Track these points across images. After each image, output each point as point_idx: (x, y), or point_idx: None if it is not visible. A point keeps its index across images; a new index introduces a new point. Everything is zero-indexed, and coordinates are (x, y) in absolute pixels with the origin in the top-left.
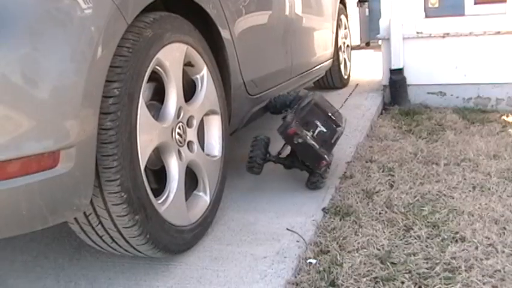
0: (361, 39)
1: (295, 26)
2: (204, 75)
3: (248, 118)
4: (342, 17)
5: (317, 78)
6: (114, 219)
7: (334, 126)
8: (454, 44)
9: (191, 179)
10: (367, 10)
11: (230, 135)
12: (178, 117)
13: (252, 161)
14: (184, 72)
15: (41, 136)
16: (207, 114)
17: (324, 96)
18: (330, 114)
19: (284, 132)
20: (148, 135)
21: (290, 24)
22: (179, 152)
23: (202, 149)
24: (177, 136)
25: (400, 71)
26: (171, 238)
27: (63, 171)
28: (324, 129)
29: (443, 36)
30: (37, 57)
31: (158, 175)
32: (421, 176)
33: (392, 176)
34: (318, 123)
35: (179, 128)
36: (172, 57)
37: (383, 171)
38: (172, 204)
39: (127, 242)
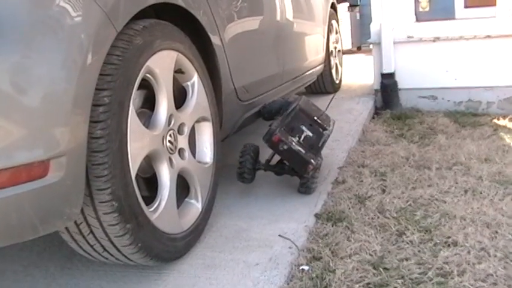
0: (352, 43)
1: (287, 31)
2: (195, 82)
3: (240, 124)
4: (333, 22)
5: (309, 83)
6: (105, 228)
7: (321, 130)
8: (444, 48)
9: (183, 186)
10: (358, 14)
11: (222, 141)
12: (169, 124)
13: (242, 170)
14: (174, 79)
15: (30, 145)
16: (198, 121)
17: (311, 100)
18: (315, 118)
19: (269, 140)
20: (139, 143)
21: (281, 29)
22: (170, 159)
23: (194, 156)
24: (168, 144)
25: (391, 75)
26: (163, 246)
27: (53, 180)
28: (310, 134)
29: (434, 40)
30: (26, 64)
31: (149, 183)
32: (413, 180)
33: (385, 180)
34: (304, 128)
35: (170, 135)
36: (162, 64)
37: (375, 176)
38: (164, 212)
39: (118, 250)
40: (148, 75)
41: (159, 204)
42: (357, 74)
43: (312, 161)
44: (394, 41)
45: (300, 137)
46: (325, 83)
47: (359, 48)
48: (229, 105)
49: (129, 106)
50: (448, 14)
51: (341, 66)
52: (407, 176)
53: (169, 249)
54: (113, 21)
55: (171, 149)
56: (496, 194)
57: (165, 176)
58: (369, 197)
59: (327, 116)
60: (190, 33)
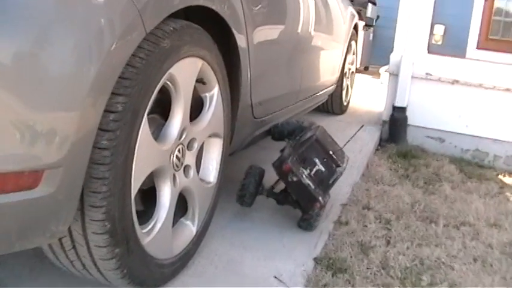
0: (360, 62)
1: (309, 44)
2: (214, 95)
3: (249, 141)
4: (352, 42)
5: (320, 103)
6: (90, 248)
7: (334, 166)
8: (462, 92)
9: (179, 204)
10: (371, 35)
11: (229, 155)
12: (180, 138)
13: (243, 193)
14: (194, 89)
15: (24, 150)
16: (209, 136)
17: (325, 128)
18: (331, 152)
19: (279, 167)
20: (146, 159)
21: (304, 42)
22: (174, 177)
23: (198, 173)
24: (175, 159)
25: (403, 109)
26: (149, 273)
27: (43, 193)
28: (323, 169)
29: (453, 83)
30: (32, 55)
31: (145, 195)
32: (420, 235)
33: (389, 230)
34: (317, 161)
35: (179, 150)
36: (186, 73)
37: (380, 222)
38: (158, 236)
39: (100, 272)
40: (168, 82)
41: (153, 226)
42: (364, 97)
43: (320, 198)
44: (412, 75)
45: (311, 170)
46: (333, 104)
47: (366, 69)
48: (243, 121)
49: (143, 116)
50: (459, 51)
51: (351, 88)
52: (413, 229)
53: (155, 276)
54: (144, 19)
55: (177, 166)
56: (508, 270)
57: (166, 196)
58: (373, 247)
59: (342, 152)
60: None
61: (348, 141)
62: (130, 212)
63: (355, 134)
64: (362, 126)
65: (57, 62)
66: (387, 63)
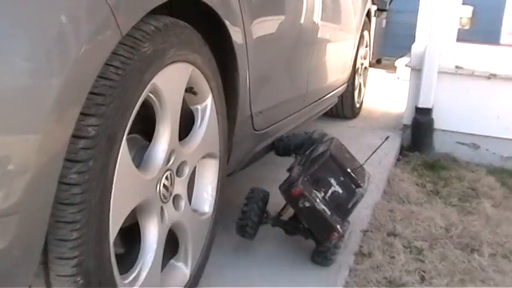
0: (372, 54)
1: (318, 38)
2: (208, 106)
3: (250, 158)
4: (365, 32)
5: (329, 108)
6: None
7: (354, 187)
8: (500, 88)
9: (168, 242)
10: (384, 21)
11: (227, 176)
12: (167, 163)
13: (244, 223)
14: (183, 101)
15: None
16: (202, 158)
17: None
18: (349, 171)
19: (287, 191)
20: (126, 193)
21: (312, 34)
22: (162, 210)
23: (190, 203)
24: (163, 189)
25: (428, 111)
26: None
27: None
28: (340, 190)
29: (489, 77)
30: None
31: (126, 233)
32: (461, 268)
33: (422, 261)
34: (333, 182)
35: (166, 178)
36: (172, 82)
37: (410, 253)
38: (144, 286)
39: None
40: (151, 95)
41: (138, 275)
42: (379, 96)
43: (338, 227)
44: (439, 70)
45: (326, 193)
46: (344, 107)
47: (379, 61)
48: (241, 135)
49: (121, 141)
50: (491, 37)
51: (365, 86)
52: (452, 260)
53: None
54: (117, 18)
55: (165, 197)
56: None
57: (152, 235)
58: (404, 284)
59: (362, 170)
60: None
61: (371, 155)
62: (108, 260)
63: (379, 146)
64: (387, 138)
65: (8, 74)
66: (403, 54)
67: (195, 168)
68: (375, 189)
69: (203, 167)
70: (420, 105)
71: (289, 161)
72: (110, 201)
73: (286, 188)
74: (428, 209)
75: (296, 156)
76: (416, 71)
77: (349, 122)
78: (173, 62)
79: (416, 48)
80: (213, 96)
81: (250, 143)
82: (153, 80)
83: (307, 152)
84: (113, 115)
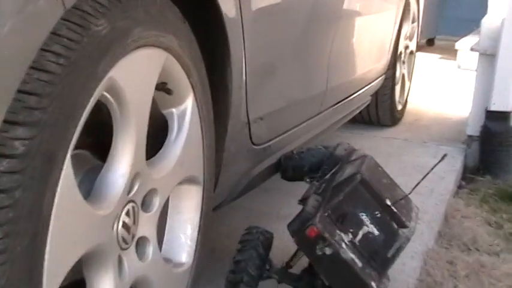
0: (421, 32)
1: (343, 11)
2: (187, 111)
3: (245, 185)
4: (412, 1)
5: (358, 111)
6: None
7: (395, 227)
8: None
9: None
10: None
11: (213, 210)
12: (129, 192)
13: (238, 278)
14: (152, 103)
15: None
16: (179, 184)
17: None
18: (388, 203)
19: (300, 232)
20: (69, 236)
21: (335, 7)
22: (120, 260)
23: (160, 249)
24: (122, 230)
25: (504, 116)
26: None
27: None
28: (376, 232)
29: None
30: None
31: None
32: None
33: None
34: (365, 219)
35: (127, 213)
36: (138, 76)
37: None
38: None
39: None
40: (107, 94)
41: None
42: (431, 93)
43: (373, 284)
44: None
45: (355, 235)
46: (379, 110)
47: (431, 43)
48: (234, 152)
49: (63, 161)
50: None
51: (410, 80)
52: None
53: None
54: None
55: (125, 241)
56: None
57: None
58: None
59: (408, 201)
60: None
61: (421, 181)
62: None
63: (433, 168)
64: (445, 156)
65: None
66: (467, 32)
67: (168, 199)
68: (426, 230)
69: (180, 198)
70: (493, 108)
71: (301, 188)
72: (44, 249)
73: (298, 227)
74: (508, 261)
75: (312, 181)
76: (488, 56)
77: (387, 132)
78: (139, 47)
79: (488, 23)
80: (195, 96)
81: (247, 162)
82: (110, 73)
83: (328, 175)
84: (51, 123)
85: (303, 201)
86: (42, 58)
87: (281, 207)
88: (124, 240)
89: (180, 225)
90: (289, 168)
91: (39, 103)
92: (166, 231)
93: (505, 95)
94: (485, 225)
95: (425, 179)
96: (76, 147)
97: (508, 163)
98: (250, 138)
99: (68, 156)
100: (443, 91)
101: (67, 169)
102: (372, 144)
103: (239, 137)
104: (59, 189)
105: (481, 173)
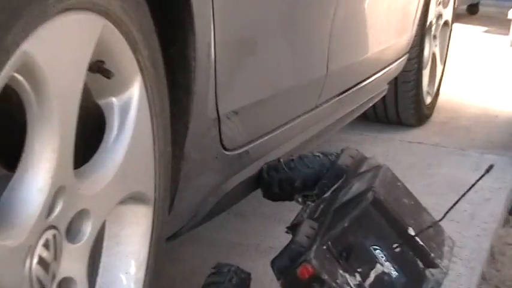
0: None
1: None
2: (133, 101)
3: (214, 205)
4: None
5: (371, 105)
6: None
7: (421, 266)
8: None
9: None
10: None
11: (167, 240)
12: (49, 213)
13: None
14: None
15: None
16: (120, 203)
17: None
18: (411, 233)
19: (287, 272)
20: None
21: None
22: None
23: None
24: (37, 268)
25: None
26: None
27: None
28: (393, 272)
29: None
30: None
31: None
32: None
33: None
34: (379, 254)
35: (46, 244)
36: (63, 51)
37: None
38: None
39: None
40: (18, 76)
41: None
42: (472, 80)
43: None
44: None
45: (365, 276)
46: (400, 102)
47: (473, 11)
48: (198, 160)
49: None
50: None
51: (443, 61)
52: None
53: None
54: None
55: (41, 284)
56: None
57: None
58: None
59: (439, 231)
60: None
61: (457, 202)
62: None
63: (474, 184)
64: (491, 168)
65: None
66: None
67: (104, 225)
68: (464, 271)
69: (121, 223)
70: None
71: (290, 210)
72: None
73: (286, 265)
74: None
75: (306, 201)
76: None
77: (410, 134)
78: (65, 10)
79: None
80: (144, 81)
81: (216, 174)
82: (24, 46)
83: (328, 193)
84: None
85: (293, 228)
86: None
87: (262, 237)
88: (40, 282)
89: (120, 261)
90: (275, 182)
91: None
92: (100, 270)
93: None
94: None
95: (464, 201)
96: None
97: None
98: (221, 140)
99: None
100: (489, 78)
101: None
102: (389, 151)
103: (205, 139)
104: None
105: None
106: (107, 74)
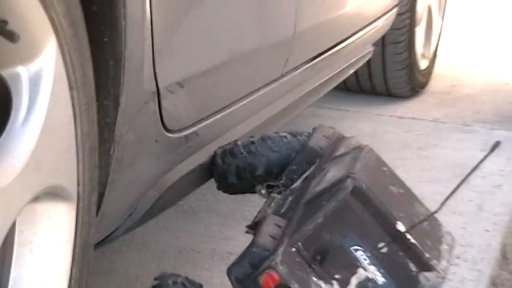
0: None
1: None
2: (45, 70)
3: (155, 200)
4: None
5: (352, 72)
6: None
7: (414, 270)
8: None
9: None
10: None
11: (96, 247)
12: None
13: None
14: None
15: None
16: (34, 201)
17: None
18: (401, 229)
19: (248, 281)
20: None
21: None
22: None
23: None
24: None
25: None
26: None
27: None
28: (380, 277)
29: None
30: None
31: None
32: None
33: None
34: (361, 256)
35: None
36: None
37: None
38: None
39: None
40: None
41: None
42: (476, 39)
43: None
44: None
45: (345, 285)
46: (387, 69)
47: None
48: (133, 144)
49: None
50: None
51: (441, 16)
52: None
53: None
54: None
55: None
56: None
57: None
58: None
59: (435, 225)
60: None
61: (457, 187)
62: None
63: (477, 164)
64: (498, 144)
65: None
66: None
67: (13, 227)
68: (468, 274)
69: (34, 225)
70: None
71: (251, 205)
72: None
73: (246, 272)
74: None
75: (270, 192)
76: None
77: (401, 108)
78: None
79: None
80: (61, 45)
81: (156, 161)
82: None
83: (298, 182)
84: None
85: (255, 227)
86: None
87: (218, 239)
88: None
89: (35, 273)
90: (231, 171)
91: None
92: (10, 285)
93: None
94: None
95: (469, 188)
96: None
97: None
98: (162, 119)
99: None
100: (497, 38)
101: None
102: (376, 130)
103: (142, 118)
104: None
105: None
106: (11, 36)
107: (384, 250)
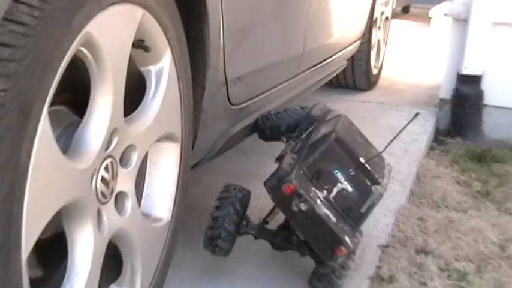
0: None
1: None
2: (165, 68)
3: (223, 144)
4: None
5: (334, 74)
6: None
7: (369, 184)
8: None
9: (107, 261)
10: None
11: (191, 168)
12: (107, 147)
13: (216, 233)
14: (129, 60)
15: None
16: (157, 141)
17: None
18: (362, 161)
19: (276, 189)
20: (48, 189)
21: None
22: (99, 214)
23: (139, 205)
24: (100, 184)
25: (475, 79)
26: None
27: None
28: (350, 188)
29: None
30: None
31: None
32: None
33: None
34: (340, 176)
35: (106, 168)
36: (115, 31)
37: (449, 277)
38: None
39: None
40: (84, 49)
41: None
42: (406, 58)
43: (347, 238)
44: (494, 20)
45: (330, 192)
46: (355, 73)
47: (406, 10)
48: (212, 111)
49: (40, 115)
50: None
51: (385, 45)
52: None
53: None
54: None
55: (104, 195)
56: None
57: (84, 250)
58: None
59: (381, 160)
60: None
61: (393, 139)
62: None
63: (405, 126)
64: (417, 114)
65: None
66: (440, 0)
67: (146, 155)
68: (398, 188)
69: (158, 154)
70: (465, 72)
71: (278, 147)
72: (22, 201)
73: (275, 184)
74: (474, 217)
75: (288, 140)
76: (460, 22)
77: (363, 96)
78: (114, 2)
79: None
80: (173, 54)
81: (225, 121)
82: (87, 28)
83: (304, 134)
84: (27, 76)
85: (280, 159)
86: (15, 9)
87: (258, 167)
88: (103, 194)
89: (159, 181)
90: (267, 128)
91: (14, 55)
92: (145, 187)
93: (476, 59)
94: (455, 184)
95: (399, 140)
96: (55, 104)
97: (477, 125)
98: (228, 98)
99: (45, 109)
100: (417, 57)
101: (44, 123)
102: (348, 108)
103: (217, 97)
104: (36, 142)
105: (451, 135)
106: (146, 49)
107: (353, 173)
